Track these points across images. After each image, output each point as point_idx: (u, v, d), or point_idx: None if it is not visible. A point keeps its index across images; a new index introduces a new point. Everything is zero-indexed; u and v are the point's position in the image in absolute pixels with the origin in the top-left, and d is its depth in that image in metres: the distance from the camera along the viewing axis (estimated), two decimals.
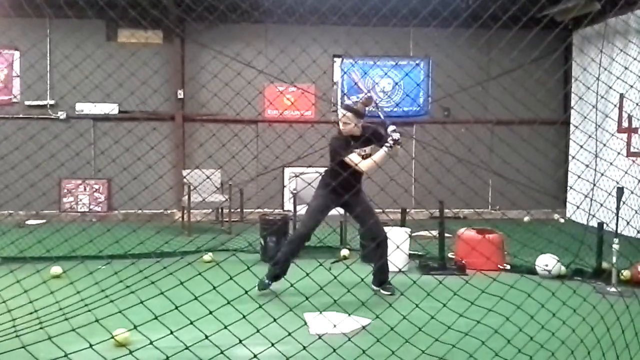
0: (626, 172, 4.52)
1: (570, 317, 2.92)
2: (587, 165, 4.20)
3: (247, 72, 7.17)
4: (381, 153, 4.18)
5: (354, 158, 4.25)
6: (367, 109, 4.38)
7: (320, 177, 4.62)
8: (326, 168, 4.53)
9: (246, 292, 2.61)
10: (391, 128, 4.19)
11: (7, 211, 7.61)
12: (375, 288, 4.52)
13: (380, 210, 4.20)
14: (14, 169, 5.27)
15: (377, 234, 4.45)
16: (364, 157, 4.32)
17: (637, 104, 6.35)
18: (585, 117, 6.76)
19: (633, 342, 2.99)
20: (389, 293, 4.40)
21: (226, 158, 6.70)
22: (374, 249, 4.50)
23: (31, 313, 3.08)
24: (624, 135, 7.05)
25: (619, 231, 4.39)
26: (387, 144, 4.15)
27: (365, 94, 4.40)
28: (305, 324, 3.59)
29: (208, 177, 6.66)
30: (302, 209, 4.50)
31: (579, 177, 3.92)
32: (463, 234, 5.46)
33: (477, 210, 8.14)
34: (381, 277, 4.50)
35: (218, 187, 7.52)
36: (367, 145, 4.39)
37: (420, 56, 8.68)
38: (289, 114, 8.46)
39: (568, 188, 8.03)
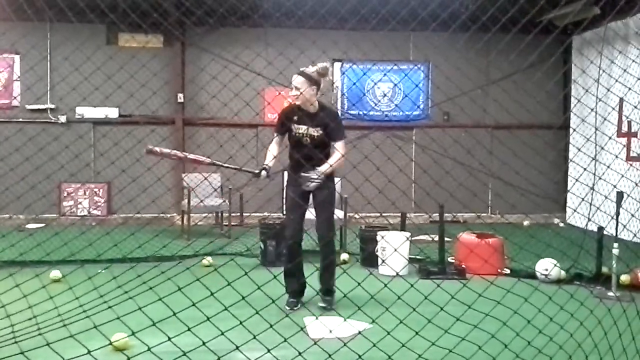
0: (623, 176, 4.52)
1: (567, 322, 2.92)
2: (584, 169, 4.20)
3: (247, 75, 7.20)
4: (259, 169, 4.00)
5: (274, 140, 4.15)
6: (323, 79, 4.01)
7: None
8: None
9: (243, 297, 2.61)
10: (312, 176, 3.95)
11: (7, 214, 7.63)
12: (318, 293, 4.12)
13: (379, 214, 4.17)
14: (14, 172, 5.29)
15: (324, 232, 4.07)
16: (311, 139, 4.00)
17: (635, 107, 6.35)
18: (584, 121, 6.77)
19: (630, 347, 2.99)
20: (323, 305, 4.08)
21: (225, 160, 6.72)
22: (320, 248, 4.14)
23: (30, 319, 3.08)
24: (623, 139, 7.06)
25: (618, 235, 4.39)
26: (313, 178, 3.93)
27: (324, 64, 4.04)
28: (302, 329, 3.59)
29: (205, 179, 6.66)
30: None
31: (577, 180, 3.92)
32: (463, 238, 5.46)
33: (476, 214, 8.14)
34: (325, 283, 4.13)
35: (217, 190, 7.53)
36: (316, 127, 3.99)
37: (420, 60, 8.69)
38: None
39: (567, 192, 8.04)
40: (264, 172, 3.99)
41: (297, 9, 6.46)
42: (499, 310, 2.76)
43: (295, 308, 4.11)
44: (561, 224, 8.24)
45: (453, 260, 5.52)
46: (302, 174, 3.95)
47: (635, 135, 6.92)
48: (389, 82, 8.72)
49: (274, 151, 4.16)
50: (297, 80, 3.97)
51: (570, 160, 7.02)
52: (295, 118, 4.03)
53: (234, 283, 2.61)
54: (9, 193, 5.77)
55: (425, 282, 4.41)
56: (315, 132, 4.01)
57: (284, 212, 7.82)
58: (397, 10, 4.29)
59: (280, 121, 4.15)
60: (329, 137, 4.03)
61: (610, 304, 3.62)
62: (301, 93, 3.93)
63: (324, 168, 3.97)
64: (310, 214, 4.12)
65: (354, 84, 8.65)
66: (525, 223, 7.91)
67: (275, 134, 4.19)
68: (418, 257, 5.51)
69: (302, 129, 4.03)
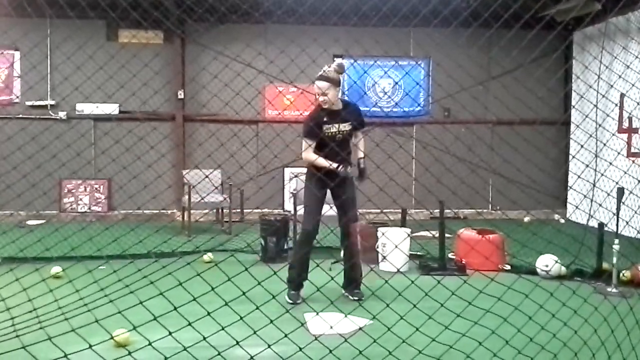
0: (626, 172, 4.51)
1: (571, 318, 2.91)
2: (587, 165, 4.20)
3: (247, 72, 7.18)
4: (326, 165, 4.07)
5: (306, 147, 4.13)
6: (341, 76, 4.26)
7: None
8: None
9: (244, 293, 2.61)
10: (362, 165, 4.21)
11: (7, 211, 7.64)
12: (344, 293, 4.38)
13: (379, 211, 4.18)
14: (15, 169, 5.29)
15: (352, 229, 4.27)
16: (344, 135, 4.18)
17: (638, 103, 6.34)
18: (586, 117, 6.76)
19: (638, 346, 2.97)
20: (355, 299, 4.24)
21: (226, 158, 6.73)
22: (344, 247, 4.33)
23: (30, 312, 3.09)
24: (624, 135, 7.05)
25: (619, 231, 4.38)
26: (340, 168, 4.07)
27: (336, 62, 4.22)
28: (303, 324, 3.59)
29: (207, 177, 6.66)
30: (301, 209, 4.41)
31: (579, 177, 3.91)
32: (463, 234, 5.45)
33: (477, 210, 8.13)
34: (356, 277, 4.34)
35: (218, 187, 7.53)
36: (345, 122, 4.19)
37: (420, 56, 8.67)
38: (289, 114, 8.44)
39: (568, 188, 8.03)
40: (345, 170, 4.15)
41: (298, 6, 6.44)
42: (500, 306, 2.76)
43: (298, 301, 4.16)
44: (562, 220, 8.23)
45: (453, 257, 5.52)
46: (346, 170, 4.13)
47: (636, 131, 6.90)
48: (389, 79, 8.70)
49: (316, 156, 4.13)
50: (323, 85, 4.11)
51: (573, 157, 7.01)
52: (325, 119, 4.15)
53: (235, 279, 2.61)
54: (9, 189, 5.76)
55: (426, 278, 4.41)
56: (346, 127, 4.20)
57: (284, 208, 7.86)
58: (398, 6, 4.27)
59: (310, 128, 4.15)
60: (358, 129, 4.29)
61: (615, 301, 3.62)
62: (330, 97, 4.09)
63: (362, 154, 4.23)
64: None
65: (355, 82, 8.63)
66: (526, 219, 7.91)
67: (310, 142, 4.15)
68: (418, 253, 5.50)
69: (334, 127, 4.17)
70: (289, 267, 4.29)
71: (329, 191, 4.28)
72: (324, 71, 4.15)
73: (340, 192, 4.17)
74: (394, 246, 4.84)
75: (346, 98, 8.19)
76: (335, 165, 4.07)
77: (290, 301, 4.14)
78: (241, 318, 2.51)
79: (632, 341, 2.93)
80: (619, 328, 2.94)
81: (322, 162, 4.09)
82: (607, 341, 2.87)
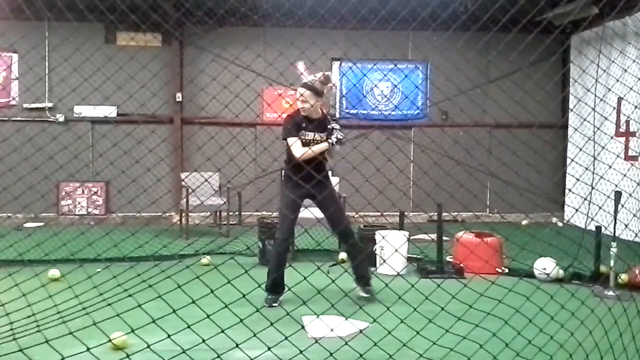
0: (625, 176, 4.52)
1: (568, 321, 2.92)
2: (586, 168, 4.21)
3: (246, 75, 7.18)
4: (323, 146, 4.10)
5: (294, 143, 4.12)
6: (326, 88, 4.22)
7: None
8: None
9: (244, 295, 2.61)
10: (335, 126, 4.14)
11: (5, 214, 7.61)
12: (354, 285, 4.38)
13: (379, 213, 4.17)
14: (13, 172, 5.27)
15: (340, 221, 4.28)
16: (316, 144, 4.15)
17: (635, 107, 6.36)
18: (584, 120, 6.78)
19: (630, 346, 3.00)
20: (366, 295, 4.29)
21: (225, 161, 6.72)
22: (346, 250, 4.36)
23: (29, 316, 3.07)
24: (622, 139, 7.07)
25: (617, 235, 4.39)
26: (330, 140, 4.08)
27: (323, 72, 4.23)
28: (303, 327, 3.59)
29: (206, 180, 6.65)
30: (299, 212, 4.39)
31: (577, 180, 3.93)
32: (461, 237, 5.45)
33: (475, 213, 8.14)
34: (364, 272, 4.38)
35: (216, 190, 7.51)
36: (321, 132, 4.20)
37: (419, 59, 8.69)
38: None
39: (566, 191, 8.05)
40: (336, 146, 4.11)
41: (297, 9, 6.45)
42: (499, 309, 2.76)
43: (275, 304, 4.20)
44: (559, 224, 8.25)
45: (452, 259, 5.52)
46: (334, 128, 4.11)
47: (633, 134, 6.92)
48: (387, 82, 8.71)
49: (307, 149, 4.12)
50: (305, 94, 4.12)
51: (572, 160, 7.02)
52: (304, 125, 4.18)
53: (234, 281, 2.60)
54: (7, 192, 5.74)
55: (425, 281, 4.40)
56: (322, 136, 4.19)
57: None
58: (397, 10, 4.29)
59: (290, 126, 4.18)
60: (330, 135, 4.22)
61: (610, 303, 3.62)
62: (310, 105, 4.09)
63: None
64: (310, 212, 4.16)
65: (354, 85, 8.64)
66: (524, 222, 7.91)
67: (296, 138, 4.16)
68: (417, 256, 5.50)
69: (310, 135, 4.18)
70: (267, 273, 4.31)
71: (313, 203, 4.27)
72: (310, 80, 4.16)
73: (324, 203, 4.20)
74: (394, 250, 4.84)
75: (337, 109, 8.23)
76: (324, 144, 4.10)
77: (266, 304, 4.17)
78: (241, 320, 2.50)
79: (624, 342, 2.95)
80: (614, 330, 2.95)
81: (316, 148, 4.11)
82: (601, 342, 2.89)
